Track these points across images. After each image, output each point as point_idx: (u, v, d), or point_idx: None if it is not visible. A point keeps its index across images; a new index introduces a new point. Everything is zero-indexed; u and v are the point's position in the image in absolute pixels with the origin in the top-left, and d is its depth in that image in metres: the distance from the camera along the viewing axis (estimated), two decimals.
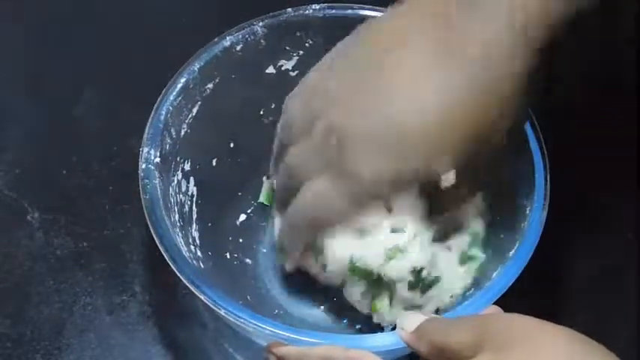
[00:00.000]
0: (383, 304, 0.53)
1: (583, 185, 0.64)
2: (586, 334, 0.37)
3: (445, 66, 0.46)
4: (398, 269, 0.51)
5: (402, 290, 0.52)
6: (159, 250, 0.49)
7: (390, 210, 0.51)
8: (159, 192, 0.52)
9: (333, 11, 0.60)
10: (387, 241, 0.51)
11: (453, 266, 0.54)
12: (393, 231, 0.51)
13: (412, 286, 0.52)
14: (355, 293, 0.54)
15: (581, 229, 0.63)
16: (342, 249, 0.51)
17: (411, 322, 0.43)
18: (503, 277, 0.48)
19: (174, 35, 0.73)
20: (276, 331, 0.46)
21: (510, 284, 0.48)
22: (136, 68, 0.73)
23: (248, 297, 0.59)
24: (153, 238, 0.50)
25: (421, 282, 0.52)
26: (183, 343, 0.60)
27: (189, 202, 0.59)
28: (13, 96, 0.72)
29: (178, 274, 0.48)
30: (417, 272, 0.52)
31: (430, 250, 0.52)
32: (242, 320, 0.46)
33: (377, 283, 0.53)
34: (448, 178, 0.48)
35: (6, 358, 0.59)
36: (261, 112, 0.63)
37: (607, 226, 0.64)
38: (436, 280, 0.53)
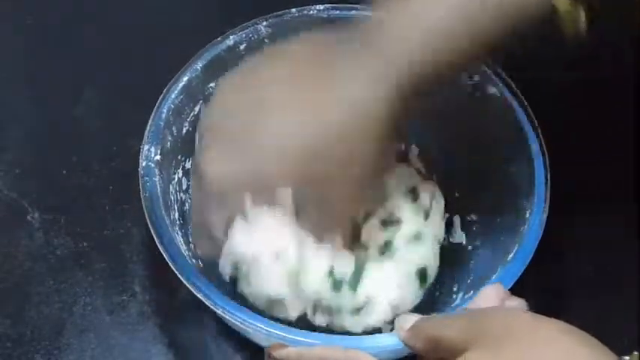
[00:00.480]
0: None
1: (584, 185, 0.64)
2: (585, 327, 0.38)
3: (314, 101, 0.48)
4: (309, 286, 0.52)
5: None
6: (159, 250, 0.49)
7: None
8: (159, 190, 0.52)
9: (337, 12, 0.60)
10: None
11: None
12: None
13: (334, 287, 0.52)
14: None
15: (582, 229, 0.63)
16: None
17: (407, 320, 0.43)
18: (502, 279, 0.48)
19: (174, 35, 0.73)
20: (273, 331, 0.46)
21: (510, 286, 0.47)
22: (136, 68, 0.73)
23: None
24: (153, 238, 0.50)
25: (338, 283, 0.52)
26: (183, 343, 0.60)
27: (189, 201, 0.59)
28: (13, 96, 0.72)
29: (177, 273, 0.48)
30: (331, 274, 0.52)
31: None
32: (240, 320, 0.46)
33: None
34: (282, 196, 0.49)
35: (6, 358, 0.59)
36: None
37: (607, 226, 0.64)
38: (357, 272, 0.53)
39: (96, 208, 0.65)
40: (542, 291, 0.59)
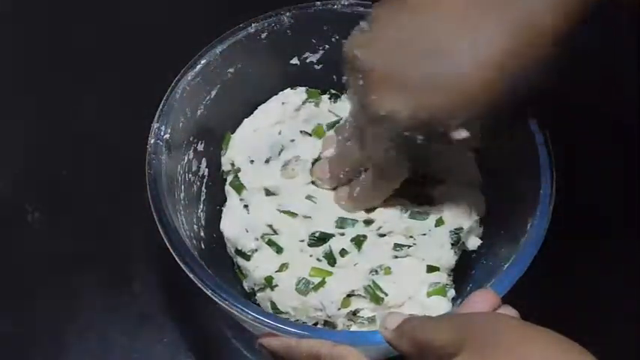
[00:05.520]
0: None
1: (585, 186, 0.64)
2: (586, 334, 0.38)
3: (484, 16, 0.45)
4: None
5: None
6: (159, 249, 0.49)
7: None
8: (165, 168, 0.52)
9: (362, 9, 0.59)
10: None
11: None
12: None
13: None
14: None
15: (582, 230, 0.63)
16: None
17: (393, 320, 0.43)
18: (496, 287, 0.47)
19: (174, 35, 0.73)
20: (260, 317, 0.46)
21: (503, 294, 0.47)
22: (136, 68, 0.73)
23: (246, 285, 0.58)
24: (153, 238, 0.50)
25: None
26: (184, 343, 0.60)
27: (198, 183, 0.59)
28: (13, 96, 0.72)
29: (171, 250, 0.48)
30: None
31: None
32: (228, 303, 0.46)
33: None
34: (461, 134, 0.47)
35: (6, 358, 0.59)
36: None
37: (608, 227, 0.64)
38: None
39: (96, 208, 0.65)
40: (542, 290, 0.59)
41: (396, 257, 0.55)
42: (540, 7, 0.44)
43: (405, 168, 0.53)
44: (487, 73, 0.45)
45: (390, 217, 0.56)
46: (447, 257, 0.55)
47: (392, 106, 0.46)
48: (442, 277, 0.55)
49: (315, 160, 0.59)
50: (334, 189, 0.58)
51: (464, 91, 0.45)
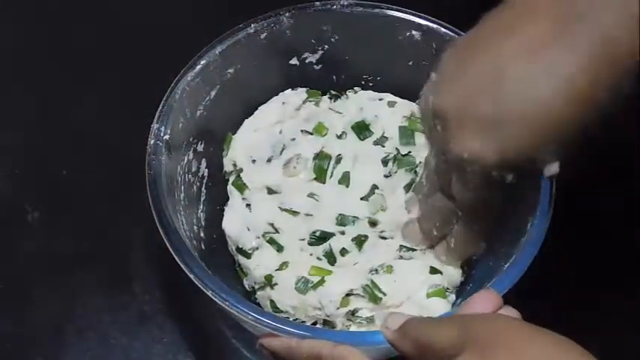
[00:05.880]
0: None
1: (585, 186, 0.64)
2: (586, 334, 0.38)
3: (562, 45, 0.42)
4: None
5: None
6: (159, 249, 0.49)
7: None
8: (164, 168, 0.52)
9: (360, 9, 0.60)
10: None
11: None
12: None
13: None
14: None
15: (582, 230, 0.63)
16: None
17: (395, 320, 0.43)
18: (497, 286, 0.47)
19: (174, 35, 0.73)
20: (260, 318, 0.46)
21: (503, 293, 0.47)
22: (136, 68, 0.73)
23: (246, 283, 0.58)
24: (153, 239, 0.50)
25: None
26: (184, 343, 0.60)
27: (198, 184, 0.59)
28: (13, 96, 0.72)
29: (172, 252, 0.48)
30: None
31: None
32: (228, 304, 0.46)
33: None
34: (552, 168, 0.45)
35: (6, 358, 0.59)
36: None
37: (608, 227, 0.64)
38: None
39: (96, 208, 0.65)
40: (542, 291, 0.59)
41: (401, 258, 0.55)
42: (615, 30, 0.42)
43: (500, 201, 0.50)
44: (572, 104, 0.43)
45: (394, 222, 0.56)
46: (453, 273, 0.55)
47: (475, 147, 0.44)
48: (444, 281, 0.55)
49: (316, 156, 0.59)
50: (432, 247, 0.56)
51: (550, 124, 0.43)
